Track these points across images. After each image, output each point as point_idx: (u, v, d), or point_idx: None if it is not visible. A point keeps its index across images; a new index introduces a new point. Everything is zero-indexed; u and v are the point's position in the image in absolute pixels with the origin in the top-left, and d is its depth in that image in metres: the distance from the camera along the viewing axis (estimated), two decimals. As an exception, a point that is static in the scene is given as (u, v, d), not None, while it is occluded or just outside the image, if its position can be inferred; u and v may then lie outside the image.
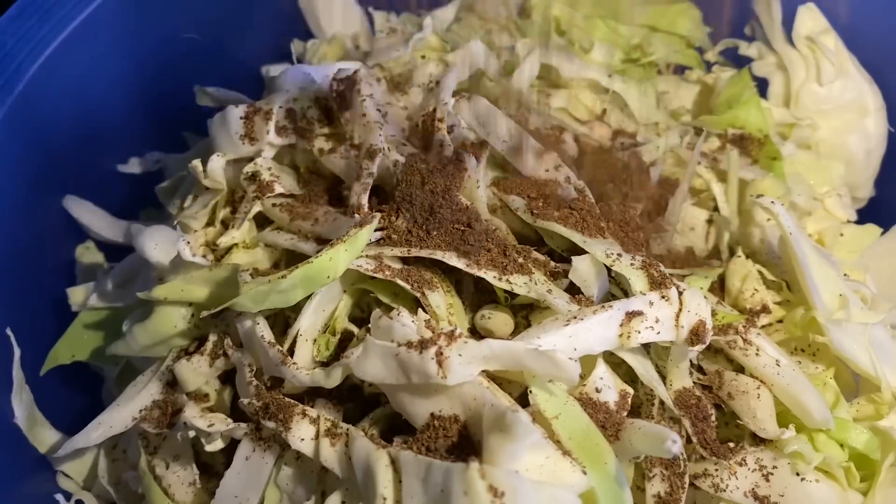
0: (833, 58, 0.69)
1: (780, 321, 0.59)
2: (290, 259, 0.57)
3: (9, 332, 0.60)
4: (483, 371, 0.47)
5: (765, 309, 0.58)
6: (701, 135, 0.66)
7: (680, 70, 0.78)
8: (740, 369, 0.56)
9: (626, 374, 0.53)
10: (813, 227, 0.67)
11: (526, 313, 0.55)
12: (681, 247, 0.64)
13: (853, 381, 0.59)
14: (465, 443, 0.46)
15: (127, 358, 0.64)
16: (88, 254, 0.69)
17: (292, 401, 0.51)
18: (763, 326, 0.59)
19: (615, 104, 0.69)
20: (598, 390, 0.48)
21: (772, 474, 0.52)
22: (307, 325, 0.52)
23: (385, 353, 0.47)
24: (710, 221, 0.65)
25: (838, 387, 0.56)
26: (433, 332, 0.47)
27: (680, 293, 0.50)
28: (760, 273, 0.60)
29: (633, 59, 0.75)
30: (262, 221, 0.59)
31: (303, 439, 0.49)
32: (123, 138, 0.74)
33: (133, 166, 0.73)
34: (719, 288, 0.61)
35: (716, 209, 0.65)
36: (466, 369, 0.45)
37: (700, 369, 0.57)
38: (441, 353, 0.45)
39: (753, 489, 0.51)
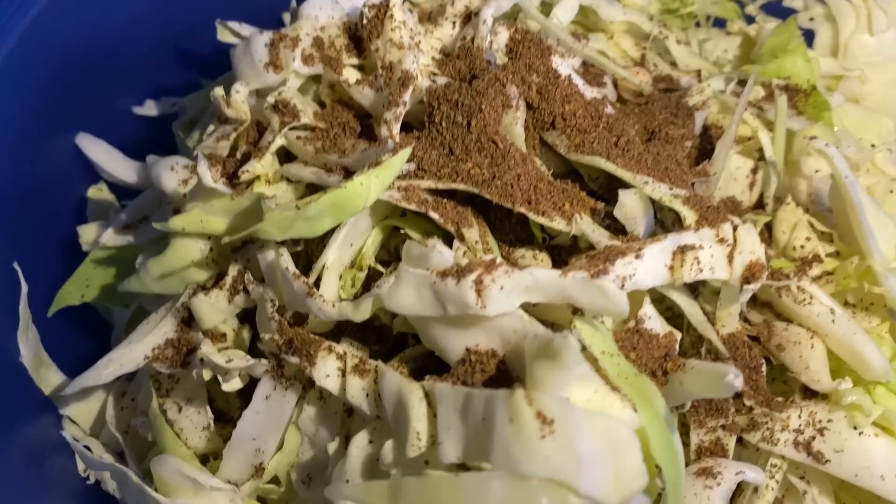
0: (886, 6, 0.65)
1: (829, 273, 0.56)
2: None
3: (16, 265, 0.57)
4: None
5: (816, 258, 0.54)
6: (746, 83, 0.63)
7: (720, 24, 0.74)
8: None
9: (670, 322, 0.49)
10: (861, 182, 0.64)
11: (564, 255, 0.52)
12: (722, 197, 0.61)
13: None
14: (504, 378, 0.42)
15: (138, 302, 0.62)
16: (100, 195, 0.66)
17: (317, 337, 0.48)
18: (812, 279, 0.56)
19: (655, 50, 0.66)
20: (644, 329, 0.45)
21: (827, 429, 0.49)
22: (334, 258, 0.49)
23: (420, 283, 0.43)
24: (753, 171, 0.61)
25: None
26: (471, 261, 0.43)
27: (734, 228, 0.46)
28: (810, 223, 0.57)
29: (671, 10, 0.72)
30: (283, 160, 0.56)
31: (328, 375, 0.46)
32: (139, 80, 0.71)
33: (149, 108, 0.70)
34: (767, 240, 0.58)
35: (760, 159, 0.61)
36: (507, 299, 0.42)
37: (746, 321, 0.54)
38: (480, 282, 0.42)
39: (808, 443, 0.48)
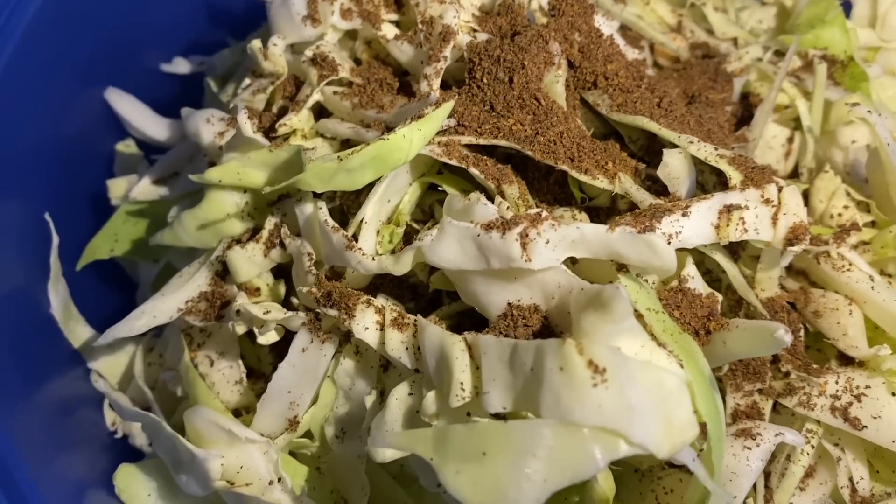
0: (927, -23, 0.65)
1: (865, 243, 0.56)
2: (350, 152, 0.53)
3: (47, 217, 0.56)
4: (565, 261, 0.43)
5: (854, 226, 0.54)
6: (784, 54, 0.62)
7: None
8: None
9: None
10: (897, 155, 0.63)
11: (603, 217, 0.51)
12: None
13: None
14: (547, 333, 0.42)
15: (166, 259, 0.61)
16: (128, 150, 0.66)
17: (355, 290, 0.47)
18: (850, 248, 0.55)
19: (692, 17, 0.65)
20: (687, 289, 0.45)
21: (864, 395, 0.48)
22: (372, 212, 0.48)
23: (463, 235, 0.43)
24: (790, 140, 0.61)
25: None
26: (516, 215, 0.43)
27: (779, 190, 0.46)
28: (847, 192, 0.56)
29: (706, -22, 0.71)
30: (318, 116, 0.55)
31: (367, 329, 0.46)
32: (168, 37, 0.71)
33: (178, 66, 0.69)
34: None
35: (797, 128, 0.61)
36: (553, 253, 0.42)
37: (782, 288, 0.53)
38: (526, 235, 0.42)
39: (845, 409, 0.48)
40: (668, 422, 0.35)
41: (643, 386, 0.35)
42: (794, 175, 0.61)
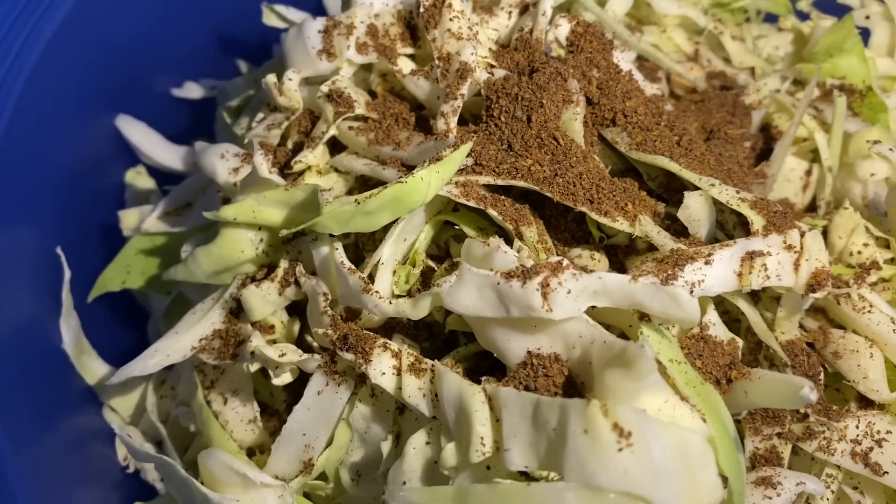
0: (946, 6, 0.64)
1: (885, 280, 0.55)
2: (364, 188, 0.53)
3: (59, 251, 0.56)
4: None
5: (875, 265, 0.53)
6: (802, 83, 0.62)
7: (771, 19, 0.73)
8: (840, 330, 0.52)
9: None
10: (916, 186, 0.62)
11: (621, 255, 0.51)
12: (775, 199, 0.59)
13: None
14: (568, 384, 0.42)
15: (179, 290, 0.61)
16: (140, 178, 0.65)
17: (372, 333, 0.47)
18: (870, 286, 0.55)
19: (709, 45, 0.64)
20: (708, 336, 0.44)
21: (885, 440, 0.48)
22: (389, 253, 0.48)
23: (482, 283, 0.43)
24: (808, 173, 0.60)
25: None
26: (537, 263, 0.42)
27: (801, 235, 0.45)
28: (867, 228, 0.56)
29: (721, 4, 0.70)
30: (333, 149, 0.55)
31: (384, 374, 0.45)
32: (179, 63, 0.70)
33: (189, 91, 0.69)
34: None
35: (814, 160, 0.60)
36: (574, 303, 0.41)
37: (801, 328, 0.53)
38: (547, 285, 0.41)
39: (865, 454, 0.47)
40: (693, 485, 0.35)
41: (668, 449, 0.35)
42: (811, 208, 0.60)
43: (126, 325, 0.64)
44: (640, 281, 0.41)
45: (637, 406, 0.37)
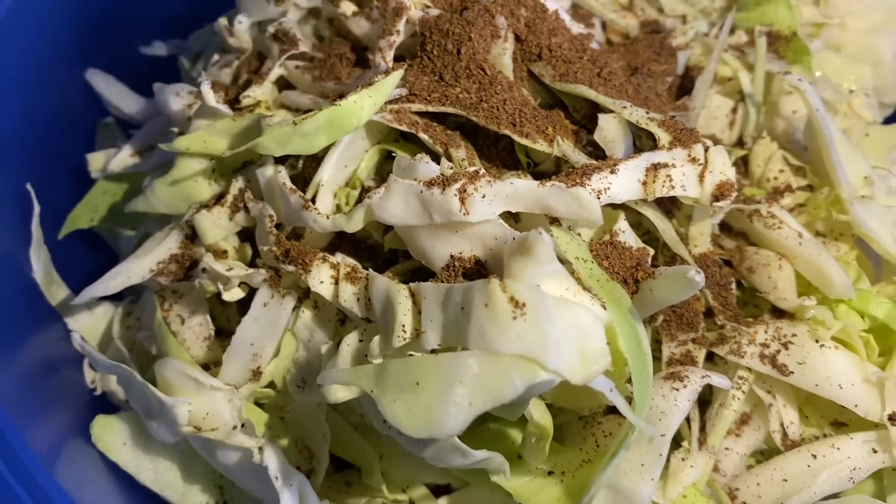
0: (866, -45, 0.68)
1: (801, 205, 0.59)
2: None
3: (29, 187, 0.60)
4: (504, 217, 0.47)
5: (788, 188, 0.57)
6: (731, 31, 0.65)
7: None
8: (758, 251, 0.56)
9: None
10: (838, 125, 0.66)
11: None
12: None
13: (874, 269, 0.59)
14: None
15: (144, 229, 0.64)
16: (108, 129, 0.69)
17: (312, 248, 0.51)
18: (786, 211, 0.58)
19: (643, -5, 0.68)
20: (618, 242, 0.48)
21: (791, 342, 0.51)
22: (329, 175, 0.52)
23: (407, 192, 0.46)
24: (734, 111, 0.64)
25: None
26: (455, 172, 0.46)
27: (706, 149, 0.49)
28: (784, 157, 0.60)
29: (658, -41, 0.74)
30: (283, 90, 0.59)
31: (322, 282, 0.49)
32: (147, 20, 0.74)
33: (157, 49, 0.73)
34: (743, 172, 0.61)
35: (741, 100, 0.64)
36: (489, 207, 0.45)
37: (720, 248, 0.57)
38: (464, 191, 0.45)
39: (773, 356, 0.51)
40: (582, 351, 0.39)
41: (559, 319, 0.39)
42: (739, 144, 0.64)
43: (95, 265, 0.68)
44: (547, 185, 0.45)
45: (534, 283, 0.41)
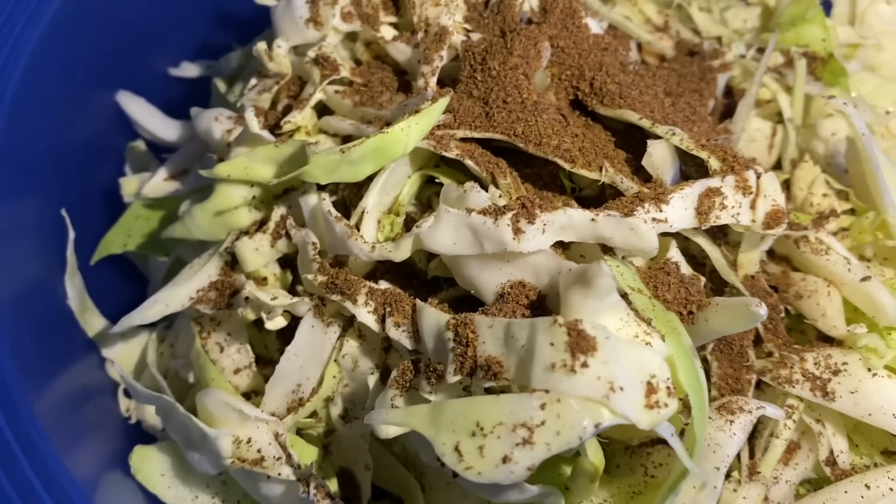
0: (902, -24, 0.67)
1: (845, 230, 0.58)
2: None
3: (63, 213, 0.59)
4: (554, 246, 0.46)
5: (833, 213, 0.57)
6: (765, 50, 0.65)
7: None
8: (802, 277, 0.55)
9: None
10: (879, 147, 0.66)
11: (592, 207, 0.54)
12: (742, 159, 0.63)
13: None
14: (537, 310, 0.45)
15: (177, 254, 0.64)
16: (139, 150, 0.68)
17: (357, 277, 0.50)
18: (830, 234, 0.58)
19: (678, 17, 0.68)
20: (671, 270, 0.47)
21: (842, 371, 0.51)
22: (374, 202, 0.51)
23: (458, 222, 0.46)
24: (773, 134, 0.63)
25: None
26: (508, 202, 0.46)
27: (758, 176, 0.48)
28: (826, 181, 0.59)
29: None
30: (320, 115, 0.58)
31: (369, 312, 0.48)
32: (176, 42, 0.74)
33: (185, 70, 0.72)
34: (786, 196, 0.60)
35: (779, 122, 0.63)
36: (542, 237, 0.45)
37: (765, 273, 0.56)
38: (517, 221, 0.44)
39: (823, 384, 0.50)
40: (649, 396, 0.38)
41: (627, 362, 0.38)
42: (777, 167, 0.64)
43: (128, 290, 0.67)
44: (602, 215, 0.44)
45: (602, 323, 0.40)
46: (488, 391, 0.42)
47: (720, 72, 0.62)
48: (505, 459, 0.37)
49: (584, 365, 0.38)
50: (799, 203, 0.59)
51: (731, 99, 0.63)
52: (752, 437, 0.52)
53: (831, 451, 0.52)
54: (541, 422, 0.37)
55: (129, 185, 0.64)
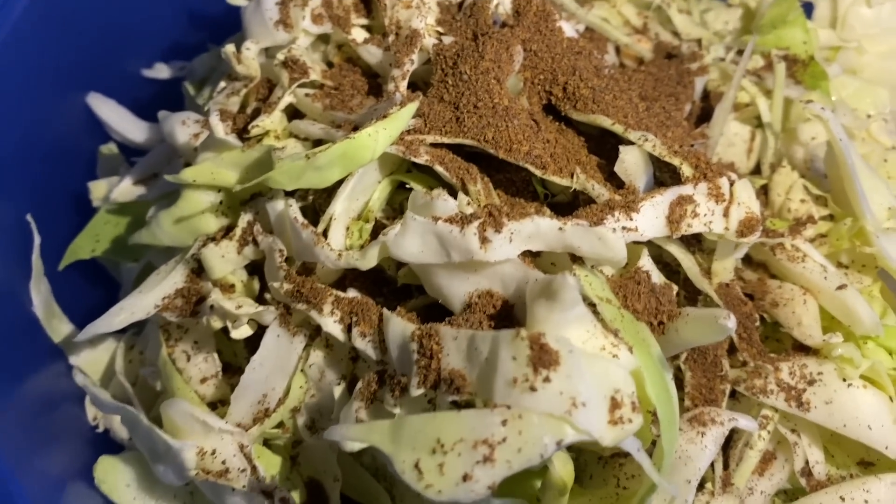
0: (884, -22, 0.67)
1: (823, 236, 0.57)
2: (321, 152, 0.55)
3: (29, 217, 0.58)
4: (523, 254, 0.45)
5: (810, 219, 0.56)
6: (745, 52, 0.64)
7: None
8: (780, 283, 0.54)
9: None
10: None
11: (565, 213, 0.53)
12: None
13: (896, 301, 0.58)
14: (504, 321, 0.44)
15: (147, 259, 0.63)
16: (110, 154, 0.67)
17: (324, 286, 0.49)
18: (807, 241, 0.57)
19: (657, 19, 0.67)
20: (643, 280, 0.46)
21: (816, 381, 0.50)
22: (341, 209, 0.50)
23: (425, 230, 0.45)
24: (752, 138, 0.63)
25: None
26: (475, 210, 0.45)
27: (731, 183, 0.48)
28: (805, 187, 0.58)
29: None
30: (291, 119, 0.57)
31: (335, 322, 0.47)
32: (149, 43, 0.72)
33: (159, 71, 0.71)
34: (763, 201, 0.59)
35: (759, 126, 0.63)
36: (510, 246, 0.44)
37: (741, 280, 0.55)
38: (484, 229, 0.44)
39: (798, 394, 0.50)
40: (613, 411, 0.37)
41: (590, 377, 0.37)
42: (756, 172, 0.63)
43: (98, 295, 0.66)
44: (570, 223, 0.43)
45: (566, 336, 0.39)
46: (453, 405, 0.41)
47: (698, 75, 0.61)
48: (465, 477, 0.36)
49: (546, 380, 0.37)
50: (776, 209, 0.58)
51: (708, 103, 0.62)
52: (727, 448, 0.51)
53: (807, 462, 0.51)
54: (502, 438, 0.36)
55: (98, 188, 0.63)
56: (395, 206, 0.54)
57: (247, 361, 0.55)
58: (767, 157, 0.61)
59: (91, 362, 0.60)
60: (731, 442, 0.52)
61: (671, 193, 0.46)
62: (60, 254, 0.63)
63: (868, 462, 0.52)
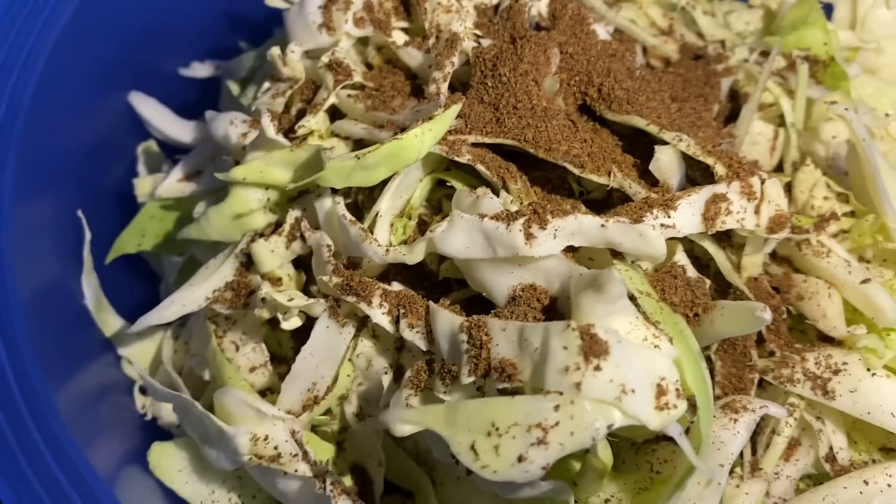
0: (903, -19, 0.68)
1: (845, 232, 0.59)
2: (363, 151, 0.57)
3: (80, 214, 0.60)
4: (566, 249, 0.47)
5: (833, 216, 0.58)
6: (769, 54, 0.66)
7: (741, -3, 0.77)
8: (804, 278, 0.56)
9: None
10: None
11: (599, 210, 0.55)
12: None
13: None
14: (549, 313, 0.46)
15: (190, 253, 0.65)
16: (151, 151, 0.69)
17: (371, 279, 0.51)
18: (830, 236, 0.59)
19: (682, 20, 0.69)
20: (678, 274, 0.49)
21: (842, 370, 0.52)
22: (387, 206, 0.52)
23: (471, 226, 0.47)
24: (774, 137, 0.65)
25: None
26: (520, 207, 0.47)
27: (762, 182, 0.50)
28: (827, 184, 0.60)
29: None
30: (333, 118, 0.59)
31: (383, 313, 0.49)
32: (187, 44, 0.74)
33: (196, 70, 0.73)
34: (786, 198, 0.61)
35: (781, 125, 0.65)
36: (554, 242, 0.46)
37: (767, 274, 0.57)
38: (529, 226, 0.46)
39: (823, 383, 0.52)
40: (659, 397, 0.39)
41: (638, 365, 0.39)
42: (778, 169, 0.65)
43: (140, 288, 0.69)
44: (612, 221, 0.46)
45: (613, 328, 0.41)
46: (501, 392, 0.44)
47: (724, 76, 0.63)
48: (520, 459, 0.39)
49: (597, 368, 0.39)
50: (800, 206, 0.60)
51: (734, 102, 0.64)
52: (755, 434, 0.53)
53: (831, 448, 0.53)
54: (555, 423, 0.39)
55: (143, 185, 0.66)
56: (434, 203, 0.56)
57: (292, 351, 0.58)
58: (790, 155, 0.63)
59: (138, 353, 0.62)
60: (758, 429, 0.54)
61: (706, 192, 0.49)
62: (107, 248, 0.65)
63: (890, 448, 0.54)
